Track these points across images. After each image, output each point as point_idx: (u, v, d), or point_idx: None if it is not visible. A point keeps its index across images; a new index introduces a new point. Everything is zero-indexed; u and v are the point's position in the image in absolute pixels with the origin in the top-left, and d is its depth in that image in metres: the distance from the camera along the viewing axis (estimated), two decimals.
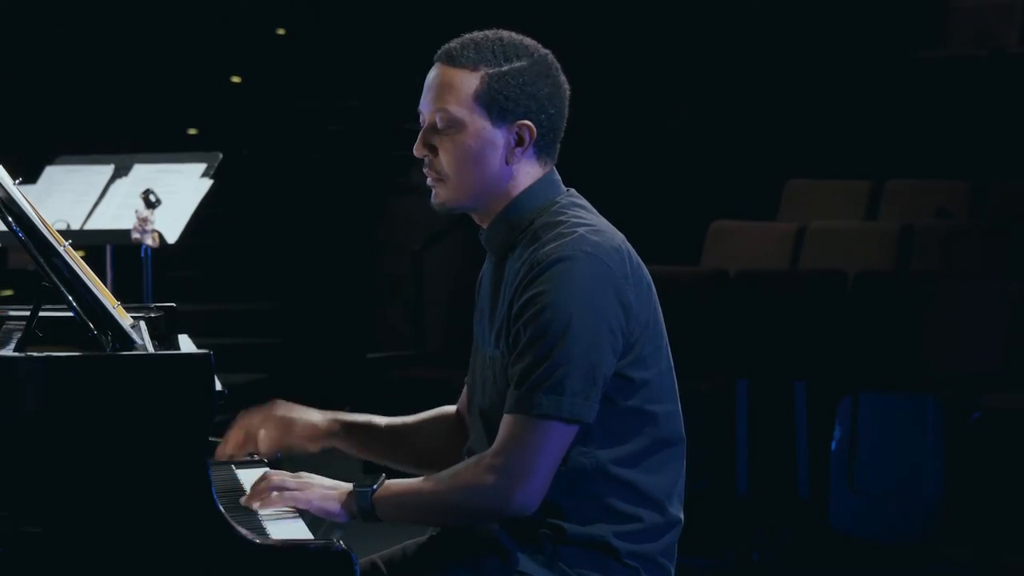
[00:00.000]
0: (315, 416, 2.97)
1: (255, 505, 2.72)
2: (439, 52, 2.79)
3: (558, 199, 2.79)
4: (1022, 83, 8.65)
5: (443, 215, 2.87)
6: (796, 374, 6.25)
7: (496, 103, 2.74)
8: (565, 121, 2.82)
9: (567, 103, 2.81)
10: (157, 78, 9.98)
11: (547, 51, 2.81)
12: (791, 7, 9.42)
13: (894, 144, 8.66)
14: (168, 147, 6.94)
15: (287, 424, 2.95)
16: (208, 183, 5.43)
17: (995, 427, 5.87)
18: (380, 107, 10.19)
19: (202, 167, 5.48)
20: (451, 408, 3.03)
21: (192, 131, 10.36)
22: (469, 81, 2.74)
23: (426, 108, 2.78)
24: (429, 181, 2.80)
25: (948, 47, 9.25)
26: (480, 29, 2.81)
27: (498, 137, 2.75)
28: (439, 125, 2.76)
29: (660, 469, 2.74)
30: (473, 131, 2.74)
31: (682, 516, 2.80)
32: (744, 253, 7.54)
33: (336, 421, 2.99)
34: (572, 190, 2.84)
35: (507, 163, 2.76)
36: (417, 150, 2.79)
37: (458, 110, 2.74)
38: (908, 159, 8.50)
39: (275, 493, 2.72)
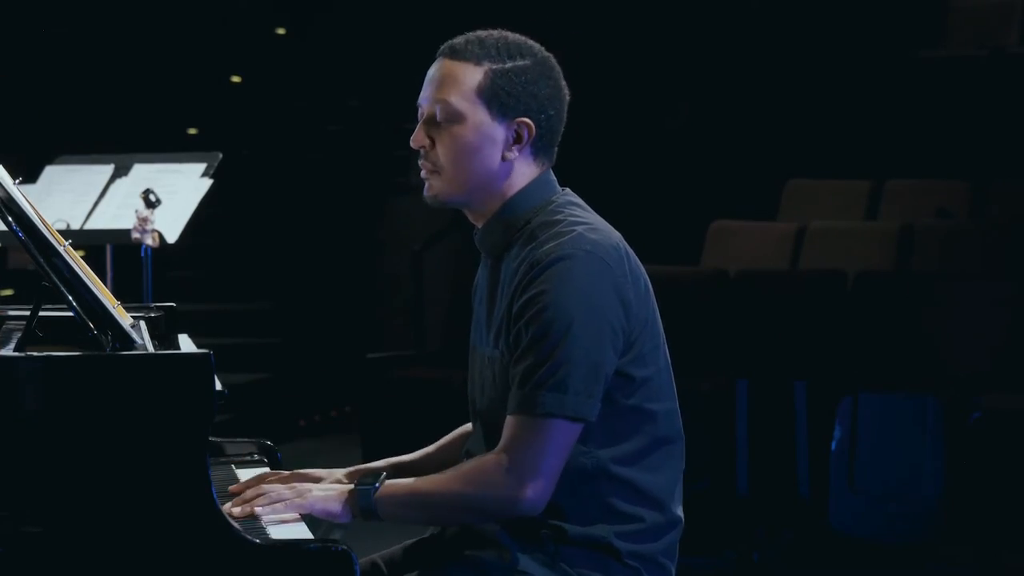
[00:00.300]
0: (338, 472, 2.93)
1: (237, 511, 2.69)
2: (442, 47, 2.80)
3: (554, 198, 2.79)
4: (1022, 83, 8.65)
5: (441, 213, 2.88)
6: (796, 374, 6.25)
7: (498, 98, 2.74)
8: (563, 125, 2.82)
9: (566, 108, 2.82)
10: (157, 78, 9.98)
11: (549, 54, 2.82)
12: (791, 7, 9.42)
13: (894, 144, 8.66)
14: (168, 147, 6.94)
15: (312, 482, 2.88)
16: (208, 183, 5.43)
17: (995, 427, 5.87)
18: (380, 107, 10.20)
19: (202, 167, 5.48)
20: (469, 426, 3.01)
21: (192, 131, 10.36)
22: (472, 75, 2.75)
23: (426, 100, 2.79)
24: (423, 173, 2.80)
25: (948, 47, 9.26)
26: (480, 29, 2.82)
27: (497, 132, 2.76)
28: (439, 117, 2.76)
29: (660, 468, 2.74)
30: (473, 124, 2.75)
31: (682, 516, 2.80)
32: (744, 253, 7.54)
33: (359, 471, 2.94)
34: (567, 189, 2.84)
35: (504, 160, 2.77)
36: (415, 140, 2.79)
37: (459, 102, 2.74)
38: (908, 159, 8.50)
39: (272, 506, 2.69)
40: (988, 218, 7.81)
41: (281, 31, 10.92)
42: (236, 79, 10.80)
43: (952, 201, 7.97)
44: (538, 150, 2.79)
